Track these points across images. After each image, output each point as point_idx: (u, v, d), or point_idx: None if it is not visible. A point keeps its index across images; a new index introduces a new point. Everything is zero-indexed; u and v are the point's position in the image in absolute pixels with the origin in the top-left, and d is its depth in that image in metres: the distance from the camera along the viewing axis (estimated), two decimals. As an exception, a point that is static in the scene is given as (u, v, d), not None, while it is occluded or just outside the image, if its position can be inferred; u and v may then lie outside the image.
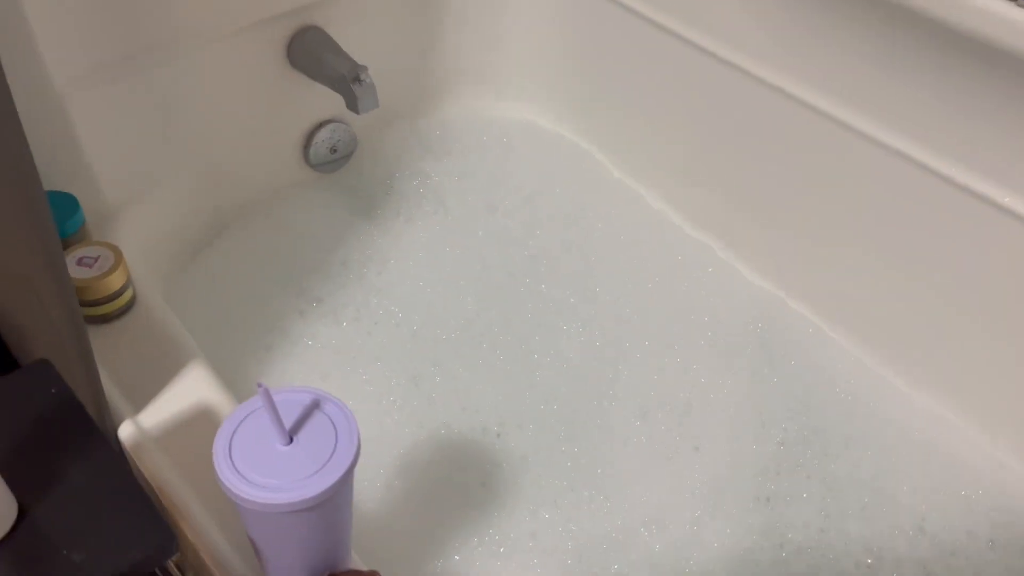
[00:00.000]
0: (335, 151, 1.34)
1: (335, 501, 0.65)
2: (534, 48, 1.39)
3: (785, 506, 1.01)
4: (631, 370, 1.13)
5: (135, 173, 1.10)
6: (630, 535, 0.98)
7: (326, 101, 1.28)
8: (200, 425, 0.86)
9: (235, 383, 0.91)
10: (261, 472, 0.61)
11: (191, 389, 0.89)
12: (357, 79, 1.15)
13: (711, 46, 1.16)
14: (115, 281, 0.95)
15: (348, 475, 0.64)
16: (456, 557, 0.95)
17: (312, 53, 1.19)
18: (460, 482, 1.01)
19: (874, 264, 1.11)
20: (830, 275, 1.17)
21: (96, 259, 0.95)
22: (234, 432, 0.64)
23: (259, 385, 0.61)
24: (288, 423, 0.64)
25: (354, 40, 1.21)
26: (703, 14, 1.16)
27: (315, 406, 0.66)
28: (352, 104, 1.17)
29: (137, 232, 1.08)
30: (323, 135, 1.31)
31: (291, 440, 0.64)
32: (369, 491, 0.98)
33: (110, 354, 0.91)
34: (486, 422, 1.07)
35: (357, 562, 0.74)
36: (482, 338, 1.16)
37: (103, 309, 0.95)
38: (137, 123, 1.08)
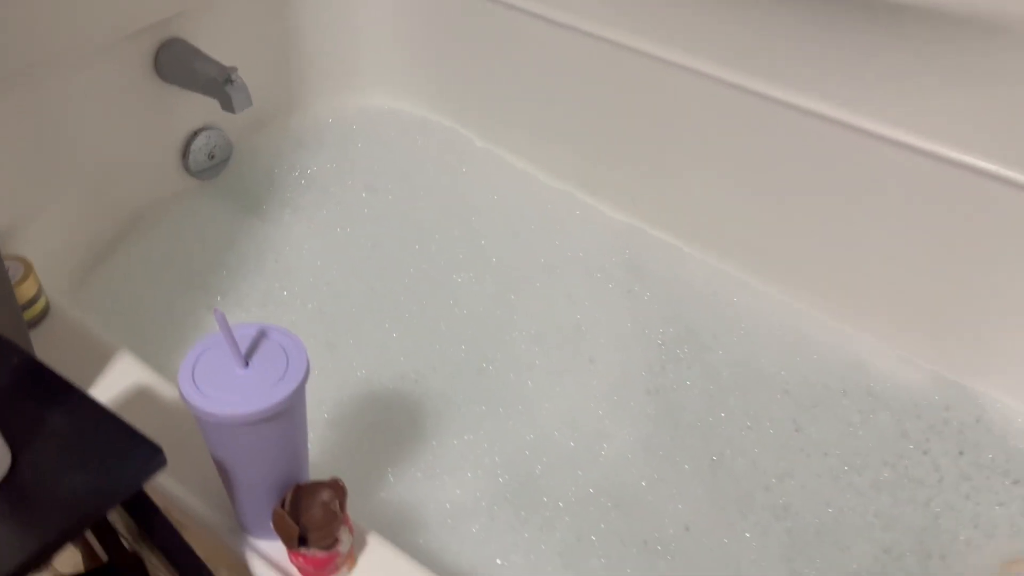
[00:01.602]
0: (213, 157, 1.40)
1: (291, 413, 0.74)
2: (389, 40, 1.50)
3: (673, 394, 1.16)
4: (523, 307, 1.26)
5: (22, 190, 1.13)
6: (546, 440, 1.10)
7: (198, 109, 1.35)
8: (145, 402, 0.92)
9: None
10: (223, 391, 0.70)
11: (126, 374, 0.95)
12: (228, 80, 1.23)
13: (546, 12, 1.31)
14: (27, 290, 0.99)
15: (301, 389, 0.73)
16: (399, 488, 1.04)
17: (180, 63, 1.26)
18: (389, 424, 1.11)
19: (715, 185, 1.28)
20: (680, 201, 1.34)
21: (7, 270, 0.99)
22: (195, 363, 0.72)
23: (215, 311, 0.69)
24: (243, 350, 0.73)
25: (217, 47, 1.29)
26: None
27: (263, 335, 0.75)
28: (227, 105, 1.24)
29: (35, 247, 1.12)
30: (199, 142, 1.37)
31: (247, 364, 0.72)
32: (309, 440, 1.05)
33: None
34: (403, 371, 1.17)
35: (316, 480, 0.82)
36: (385, 303, 1.26)
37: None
38: (16, 142, 1.11)
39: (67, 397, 0.69)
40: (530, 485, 1.06)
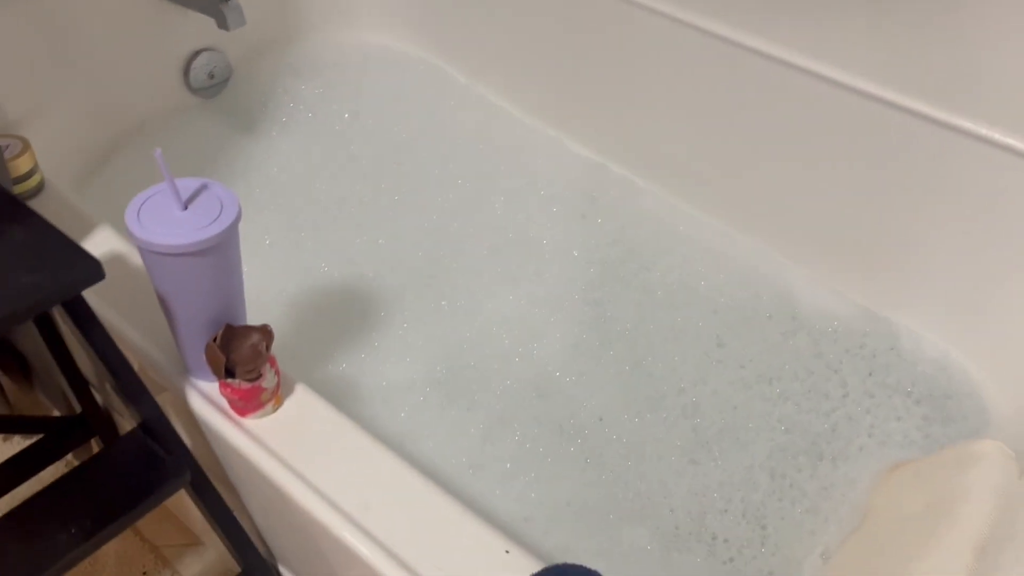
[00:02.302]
0: (213, 76, 1.52)
1: (222, 251, 0.84)
2: (381, -23, 1.61)
3: (608, 306, 1.25)
4: (481, 223, 1.36)
5: (29, 93, 1.26)
6: (484, 336, 1.20)
7: (201, 30, 1.46)
8: (117, 266, 1.04)
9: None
10: (164, 227, 0.81)
11: (104, 243, 1.07)
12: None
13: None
14: (23, 164, 1.12)
15: (231, 229, 0.83)
16: (343, 365, 1.15)
17: (182, -18, 1.38)
18: (342, 313, 1.21)
19: (672, 125, 1.36)
20: (640, 140, 1.43)
21: (6, 147, 1.11)
22: (141, 205, 0.83)
23: (156, 152, 0.80)
24: (183, 198, 0.83)
25: (219, -28, 1.40)
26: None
27: (204, 188, 0.86)
28: (222, 23, 1.36)
29: (41, 139, 1.24)
30: (201, 61, 1.49)
31: (185, 207, 0.83)
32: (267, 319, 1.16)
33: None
34: (362, 271, 1.28)
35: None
36: (354, 211, 1.36)
37: (16, 189, 1.12)
38: (29, 45, 1.24)
39: (28, 220, 0.80)
40: (463, 373, 1.15)
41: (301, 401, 0.93)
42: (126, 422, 1.14)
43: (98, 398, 1.12)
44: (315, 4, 1.62)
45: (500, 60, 1.56)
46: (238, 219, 0.84)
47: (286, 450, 0.88)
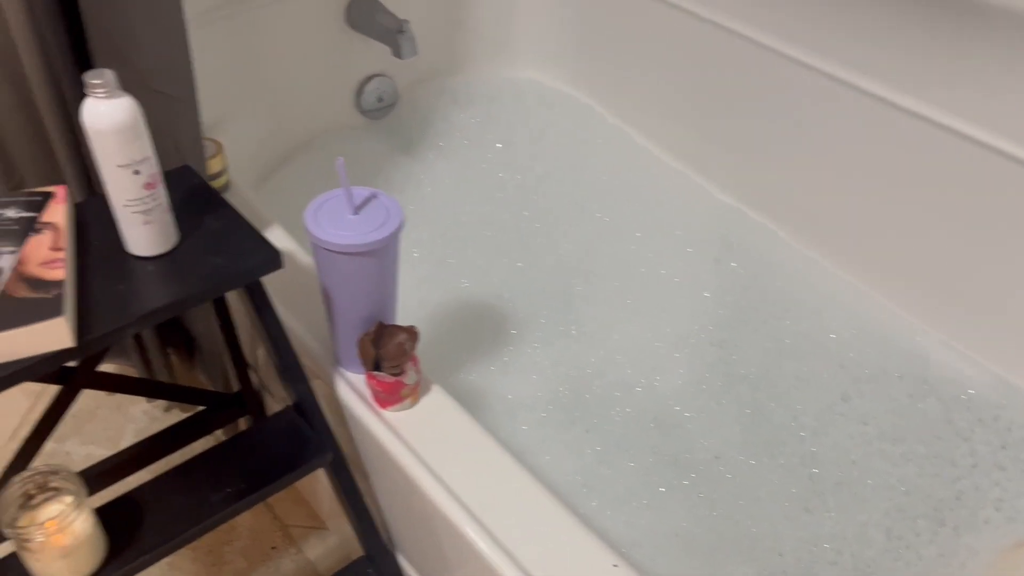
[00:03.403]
0: (381, 100, 1.65)
1: (384, 255, 0.93)
2: (543, 18, 1.70)
3: (734, 349, 1.27)
4: (615, 257, 1.41)
5: (224, 102, 1.40)
6: (608, 363, 1.24)
7: (375, 58, 1.59)
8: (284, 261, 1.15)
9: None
10: (336, 227, 0.90)
11: (276, 238, 1.18)
12: (401, 31, 1.46)
13: (689, 6, 1.46)
14: (215, 165, 1.25)
15: (394, 236, 0.92)
16: (473, 375, 1.22)
17: (365, 12, 1.51)
18: (478, 327, 1.29)
19: (816, 177, 1.37)
20: (782, 190, 1.44)
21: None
22: (318, 207, 0.93)
23: (338, 160, 0.89)
24: (356, 204, 0.93)
25: (396, 6, 1.53)
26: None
27: (373, 196, 0.95)
28: (397, 52, 1.48)
29: (229, 144, 1.39)
30: (372, 86, 1.62)
31: (357, 212, 0.92)
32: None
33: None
34: (499, 290, 1.35)
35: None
36: (497, 234, 1.44)
37: (207, 186, 1.25)
38: (225, 61, 1.39)
39: (222, 210, 0.91)
40: (585, 397, 1.20)
41: (436, 401, 1.00)
42: (275, 404, 1.25)
43: (254, 379, 1.23)
44: (479, 39, 1.73)
45: (647, 103, 1.62)
46: (401, 227, 0.93)
47: (419, 443, 0.95)
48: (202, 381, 1.45)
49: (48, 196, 0.86)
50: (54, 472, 0.80)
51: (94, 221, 0.88)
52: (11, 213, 0.83)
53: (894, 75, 1.23)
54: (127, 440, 1.46)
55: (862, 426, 1.16)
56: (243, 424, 1.32)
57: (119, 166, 0.78)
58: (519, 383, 1.21)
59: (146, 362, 1.36)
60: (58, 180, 1.25)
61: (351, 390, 1.01)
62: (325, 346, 1.04)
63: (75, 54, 1.06)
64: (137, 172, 0.79)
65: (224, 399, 1.24)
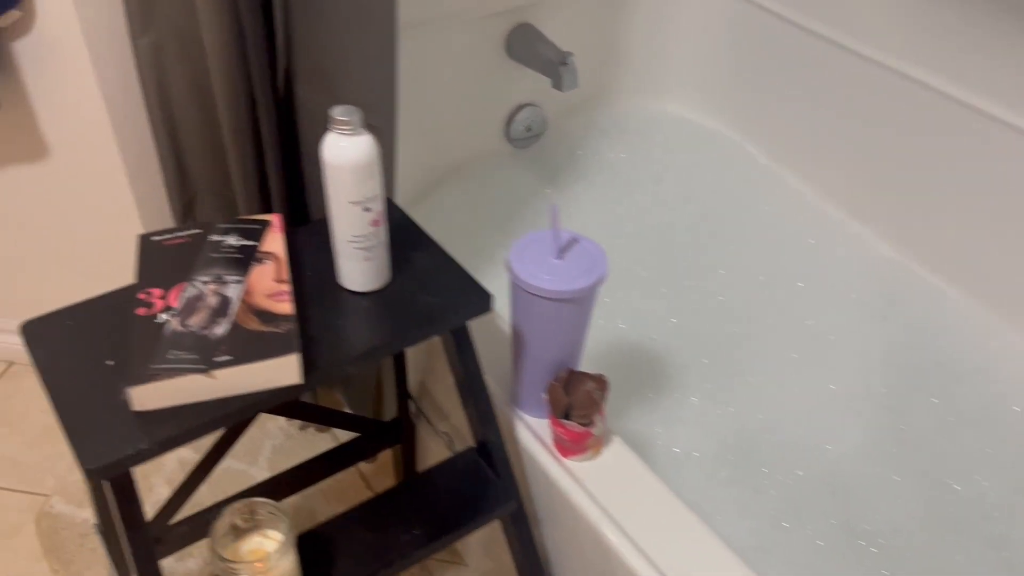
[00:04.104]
0: (530, 130, 1.63)
1: (584, 303, 0.91)
2: (695, 52, 1.67)
3: (910, 415, 1.20)
4: (777, 306, 1.36)
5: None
6: (775, 423, 1.19)
7: (527, 87, 1.58)
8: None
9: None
10: (540, 271, 0.88)
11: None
12: (564, 63, 1.45)
13: (850, 43, 1.40)
14: (384, 191, 1.25)
15: (598, 284, 0.89)
16: (636, 424, 1.18)
17: (526, 43, 1.50)
18: (636, 373, 1.25)
19: (991, 233, 1.30)
20: (950, 244, 1.37)
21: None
22: (522, 248, 0.91)
23: (551, 205, 0.87)
24: (560, 247, 0.91)
25: (554, 36, 1.51)
26: (844, 14, 1.41)
27: (575, 241, 0.92)
28: (557, 83, 1.46)
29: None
30: (523, 115, 1.61)
31: (561, 257, 0.90)
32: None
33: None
34: (655, 334, 1.31)
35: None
36: (650, 274, 1.41)
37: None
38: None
39: (428, 247, 0.90)
40: (753, 456, 1.15)
41: (618, 453, 0.97)
42: (427, 436, 1.23)
43: (412, 409, 1.22)
44: (629, 71, 1.70)
45: (803, 145, 1.56)
46: (605, 276, 0.90)
47: (604, 495, 0.92)
48: (339, 402, 1.45)
49: (265, 224, 0.86)
50: (264, 505, 0.79)
51: (303, 251, 0.87)
52: (232, 240, 0.83)
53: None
54: (264, 455, 1.46)
55: (1057, 509, 1.09)
56: (393, 454, 1.30)
57: (351, 202, 0.77)
58: (684, 435, 1.17)
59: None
60: (230, 198, 1.27)
61: (532, 435, 0.98)
62: (501, 386, 1.02)
63: (271, 74, 1.07)
64: (367, 209, 0.77)
65: (380, 427, 1.22)
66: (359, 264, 0.81)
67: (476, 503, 0.92)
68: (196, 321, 0.74)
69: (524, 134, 1.63)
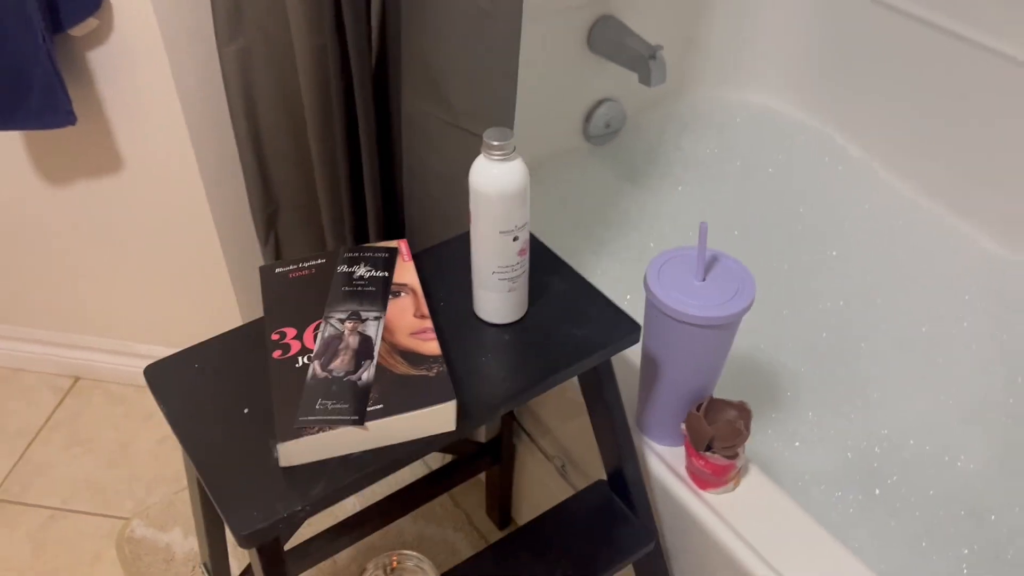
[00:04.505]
0: (608, 126, 1.56)
1: (729, 330, 0.84)
2: (779, 39, 1.58)
3: (1041, 427, 1.14)
4: (881, 311, 1.29)
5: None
6: (900, 438, 1.13)
7: (608, 82, 1.50)
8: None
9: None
10: (684, 295, 0.81)
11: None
12: (653, 56, 1.37)
13: (949, 24, 1.32)
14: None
15: (747, 309, 0.83)
16: (753, 443, 1.12)
17: (610, 36, 1.42)
18: (748, 387, 1.19)
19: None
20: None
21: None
22: (660, 268, 0.84)
23: (701, 224, 0.81)
24: (704, 267, 0.84)
25: (636, 29, 1.44)
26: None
27: (716, 260, 0.86)
28: (645, 78, 1.39)
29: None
30: (602, 110, 1.53)
31: (704, 279, 0.83)
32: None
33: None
34: (760, 342, 1.25)
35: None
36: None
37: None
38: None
39: (561, 270, 0.83)
40: (880, 475, 1.09)
41: (756, 482, 0.91)
42: (526, 452, 1.17)
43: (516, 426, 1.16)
44: (710, 61, 1.62)
45: (898, 134, 1.48)
46: (753, 300, 0.83)
47: (748, 528, 0.86)
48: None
49: (394, 253, 0.79)
50: (409, 557, 0.73)
51: (430, 280, 0.81)
52: (363, 271, 0.77)
53: None
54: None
55: None
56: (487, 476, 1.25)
57: (501, 232, 0.70)
58: (806, 455, 1.11)
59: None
60: (314, 211, 1.21)
61: (664, 465, 0.92)
62: (628, 410, 0.96)
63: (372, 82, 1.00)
64: (516, 239, 0.71)
65: (479, 448, 1.17)
66: (502, 295, 0.75)
67: (613, 543, 0.86)
68: (339, 365, 0.68)
69: (603, 130, 1.56)
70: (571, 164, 1.53)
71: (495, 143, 0.67)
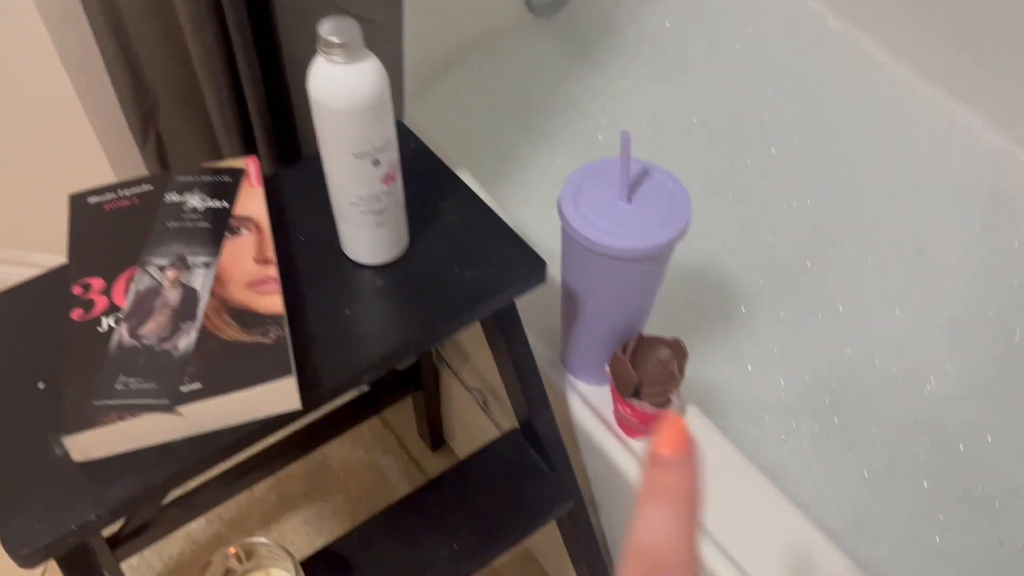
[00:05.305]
0: (556, -6, 1.36)
1: (662, 260, 0.70)
2: None
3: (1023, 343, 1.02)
4: (862, 212, 1.14)
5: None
6: (865, 360, 1.01)
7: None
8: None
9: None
10: (605, 221, 0.66)
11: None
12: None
13: None
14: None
15: (680, 237, 0.68)
16: (705, 371, 1.00)
17: None
18: (700, 305, 1.06)
19: None
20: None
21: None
22: (577, 188, 0.69)
23: (623, 133, 0.65)
24: (630, 185, 0.69)
25: None
26: None
27: (647, 175, 0.70)
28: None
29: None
30: (546, -25, 1.33)
31: (630, 200, 0.68)
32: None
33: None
34: (718, 251, 1.11)
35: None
36: (705, 173, 1.19)
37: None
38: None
39: (454, 191, 0.68)
40: (842, 403, 0.98)
41: (697, 428, 0.79)
42: (450, 379, 1.05)
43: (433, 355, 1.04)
44: (673, -83, 1.40)
45: (887, 3, 1.29)
46: (689, 223, 0.69)
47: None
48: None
49: (239, 175, 0.64)
50: (261, 545, 0.62)
51: (293, 204, 0.66)
52: (196, 202, 0.61)
53: None
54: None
55: None
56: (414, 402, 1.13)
57: (355, 155, 0.54)
58: (759, 381, 0.99)
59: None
60: (198, 100, 1.02)
61: (587, 408, 0.80)
62: (545, 342, 0.83)
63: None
64: (376, 162, 0.56)
65: (396, 375, 1.04)
66: (369, 231, 0.60)
67: (526, 504, 0.75)
68: (152, 329, 0.54)
69: (548, 0, 1.36)
70: (512, 41, 1.33)
71: (334, 40, 0.50)
